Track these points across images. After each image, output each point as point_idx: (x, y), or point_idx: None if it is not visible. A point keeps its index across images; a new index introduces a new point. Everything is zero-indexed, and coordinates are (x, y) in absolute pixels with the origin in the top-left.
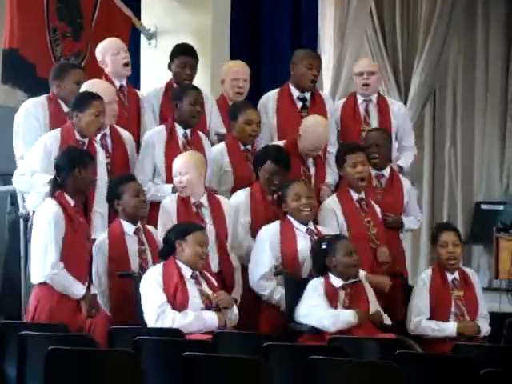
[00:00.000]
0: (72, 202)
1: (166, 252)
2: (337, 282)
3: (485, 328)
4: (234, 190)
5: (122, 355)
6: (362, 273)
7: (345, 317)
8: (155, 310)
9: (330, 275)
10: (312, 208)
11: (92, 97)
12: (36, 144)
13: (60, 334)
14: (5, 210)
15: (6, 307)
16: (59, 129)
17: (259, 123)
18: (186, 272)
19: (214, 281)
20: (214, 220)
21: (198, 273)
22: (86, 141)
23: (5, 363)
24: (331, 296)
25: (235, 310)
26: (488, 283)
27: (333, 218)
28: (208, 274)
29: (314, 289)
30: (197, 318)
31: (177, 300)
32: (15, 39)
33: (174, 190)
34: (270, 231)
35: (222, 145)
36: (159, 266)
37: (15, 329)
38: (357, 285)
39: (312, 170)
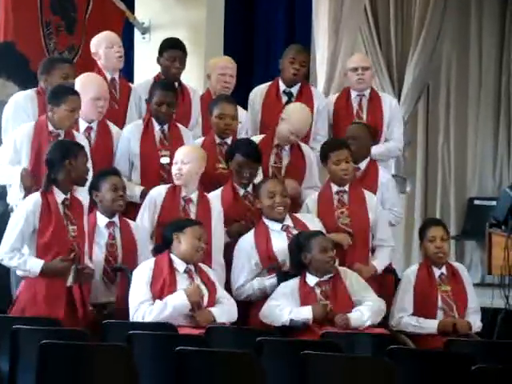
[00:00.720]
0: (62, 197)
1: (162, 248)
2: (312, 280)
3: (476, 323)
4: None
5: (114, 349)
6: (343, 269)
7: (300, 313)
8: (132, 308)
9: (307, 273)
10: (285, 206)
11: (68, 92)
12: (7, 139)
13: (53, 328)
14: None
15: None
16: (33, 122)
17: (234, 117)
18: (180, 266)
19: (211, 276)
20: (199, 219)
21: (192, 267)
22: (62, 132)
23: None
24: (305, 295)
25: (226, 307)
26: (481, 279)
27: (304, 210)
28: (206, 269)
29: (280, 291)
30: (163, 307)
31: (164, 294)
32: (9, 33)
33: (143, 195)
34: (246, 240)
35: (200, 140)
36: (151, 261)
37: (7, 323)
38: (334, 280)
39: (285, 161)
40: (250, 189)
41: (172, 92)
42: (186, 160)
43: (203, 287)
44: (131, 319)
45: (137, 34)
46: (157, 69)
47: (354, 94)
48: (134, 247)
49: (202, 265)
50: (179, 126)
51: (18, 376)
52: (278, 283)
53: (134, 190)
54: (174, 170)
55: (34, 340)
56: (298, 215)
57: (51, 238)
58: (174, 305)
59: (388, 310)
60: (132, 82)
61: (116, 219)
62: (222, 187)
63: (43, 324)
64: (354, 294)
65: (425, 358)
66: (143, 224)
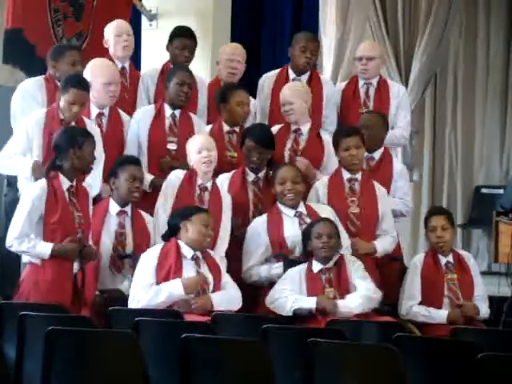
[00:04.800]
0: (67, 184)
1: (169, 235)
2: (316, 266)
3: (483, 309)
4: None
5: (121, 336)
6: (351, 257)
7: (304, 303)
8: (132, 292)
9: (313, 260)
10: (297, 193)
11: (71, 83)
12: (19, 126)
13: (59, 314)
14: (1, 191)
15: (5, 288)
16: (45, 109)
17: (249, 104)
18: (187, 252)
19: (217, 262)
20: (213, 206)
21: (199, 254)
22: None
23: (4, 344)
24: (311, 281)
25: (228, 294)
26: (487, 267)
27: (314, 196)
28: (213, 255)
29: (288, 276)
30: (156, 295)
31: (169, 280)
32: (17, 19)
33: (152, 184)
34: (259, 223)
35: (207, 127)
36: (158, 247)
37: (14, 309)
38: (338, 268)
39: (302, 145)
40: (261, 174)
41: (192, 75)
42: (210, 147)
43: (209, 274)
44: (129, 304)
45: (144, 21)
46: (163, 56)
47: (361, 82)
48: (145, 239)
49: (209, 251)
50: (191, 114)
51: (25, 362)
52: (285, 271)
53: (146, 178)
54: (202, 157)
55: (41, 327)
56: (312, 204)
57: (57, 223)
58: (170, 292)
59: (393, 297)
60: (139, 68)
61: (128, 209)
62: (232, 171)
63: (50, 310)
64: (351, 280)
65: (431, 345)
66: (165, 210)
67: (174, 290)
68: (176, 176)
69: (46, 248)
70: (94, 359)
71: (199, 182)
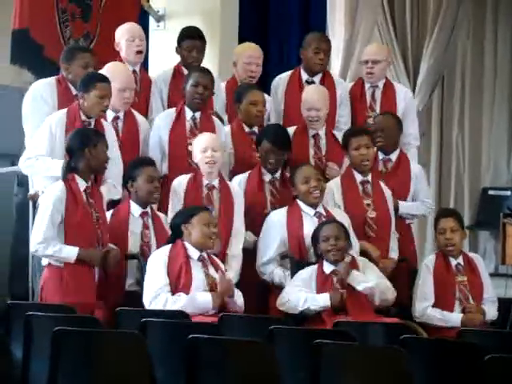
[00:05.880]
0: (84, 185)
1: (174, 238)
2: (327, 267)
3: (491, 312)
4: (233, 172)
5: (127, 337)
6: (362, 259)
7: (316, 300)
8: (150, 294)
9: (324, 261)
10: (322, 190)
11: (97, 78)
12: (41, 127)
13: (66, 314)
14: (12, 191)
15: (14, 288)
16: (65, 109)
17: (264, 103)
18: (193, 254)
19: (221, 264)
20: (223, 204)
21: (205, 255)
22: (93, 121)
23: (11, 344)
24: (322, 282)
25: (240, 297)
26: (494, 269)
27: (330, 198)
28: (215, 258)
29: (299, 278)
30: (189, 302)
31: (180, 281)
32: (25, 19)
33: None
34: (278, 216)
35: (228, 127)
36: (166, 248)
37: (22, 309)
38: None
39: (323, 150)
40: (277, 175)
41: (209, 75)
42: (216, 147)
43: (216, 276)
44: (148, 305)
45: (151, 22)
46: (171, 57)
47: (367, 84)
48: (166, 237)
49: (213, 256)
50: (214, 118)
51: (32, 362)
52: (291, 272)
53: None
54: (205, 157)
55: (48, 327)
56: (329, 208)
57: (78, 224)
58: (200, 303)
59: (400, 299)
60: (147, 69)
61: (149, 209)
62: (248, 171)
63: (57, 311)
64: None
65: (438, 347)
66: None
67: (205, 303)
68: (178, 182)
69: (72, 252)
70: (100, 359)
71: (205, 182)
